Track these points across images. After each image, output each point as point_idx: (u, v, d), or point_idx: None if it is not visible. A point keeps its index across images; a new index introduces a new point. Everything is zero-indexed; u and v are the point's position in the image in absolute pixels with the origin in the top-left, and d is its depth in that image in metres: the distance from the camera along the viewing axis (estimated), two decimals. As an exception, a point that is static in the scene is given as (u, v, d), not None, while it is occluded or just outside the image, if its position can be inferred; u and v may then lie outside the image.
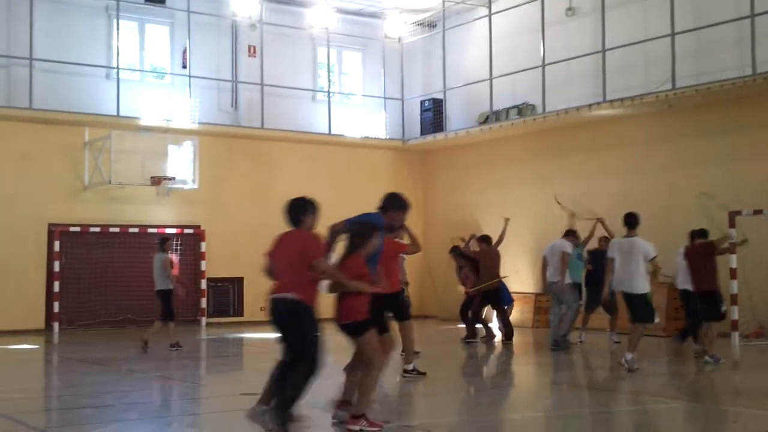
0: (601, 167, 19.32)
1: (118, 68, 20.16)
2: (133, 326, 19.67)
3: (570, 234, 15.68)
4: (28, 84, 18.97)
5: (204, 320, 20.32)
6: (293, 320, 7.74)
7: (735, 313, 15.08)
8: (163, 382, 12.16)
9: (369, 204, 24.28)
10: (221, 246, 20.77)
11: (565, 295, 15.05)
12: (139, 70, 21.36)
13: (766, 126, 16.47)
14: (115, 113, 19.79)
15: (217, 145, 21.04)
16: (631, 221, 12.25)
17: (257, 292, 21.09)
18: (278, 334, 7.91)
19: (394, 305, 10.89)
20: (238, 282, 21.30)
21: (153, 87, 21.38)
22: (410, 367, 11.70)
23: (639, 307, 11.99)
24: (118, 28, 20.28)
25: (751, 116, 16.72)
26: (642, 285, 11.94)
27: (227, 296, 21.13)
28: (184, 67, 21.16)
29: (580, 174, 19.73)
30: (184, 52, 21.21)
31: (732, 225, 14.86)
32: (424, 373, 11.66)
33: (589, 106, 18.67)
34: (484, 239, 16.96)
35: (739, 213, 15.14)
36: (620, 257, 12.10)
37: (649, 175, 18.31)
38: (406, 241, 11.44)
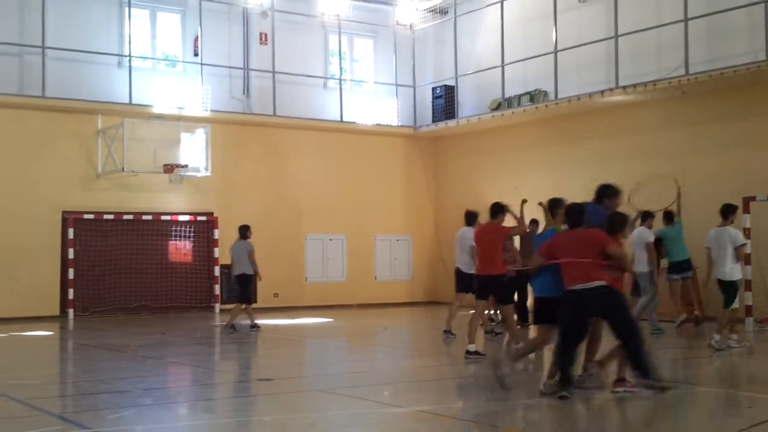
0: (614, 153, 19.26)
1: (130, 56, 20.20)
2: (147, 313, 19.80)
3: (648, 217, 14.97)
4: (41, 72, 19.05)
5: (218, 307, 20.41)
6: (612, 304, 8.71)
7: (749, 298, 15.06)
8: (178, 368, 12.23)
9: (381, 191, 24.66)
10: (234, 233, 20.73)
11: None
12: (151, 58, 21.40)
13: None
14: (128, 101, 19.86)
15: (229, 133, 21.09)
16: (725, 212, 12.71)
17: (270, 278, 21.22)
18: (578, 319, 8.82)
19: (497, 288, 11.77)
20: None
21: (165, 75, 21.43)
22: (472, 348, 12.00)
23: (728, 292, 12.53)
24: (129, 17, 20.32)
25: (765, 102, 16.64)
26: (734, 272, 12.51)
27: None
28: (196, 54, 21.19)
29: (592, 160, 19.67)
30: (196, 39, 21.23)
31: (747, 210, 14.79)
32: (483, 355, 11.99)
33: (602, 92, 18.63)
34: (532, 222, 16.71)
35: (753, 198, 15.09)
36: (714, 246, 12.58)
37: (662, 161, 18.23)
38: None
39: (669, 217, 15.22)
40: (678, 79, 17.06)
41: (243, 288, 16.43)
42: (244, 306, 16.33)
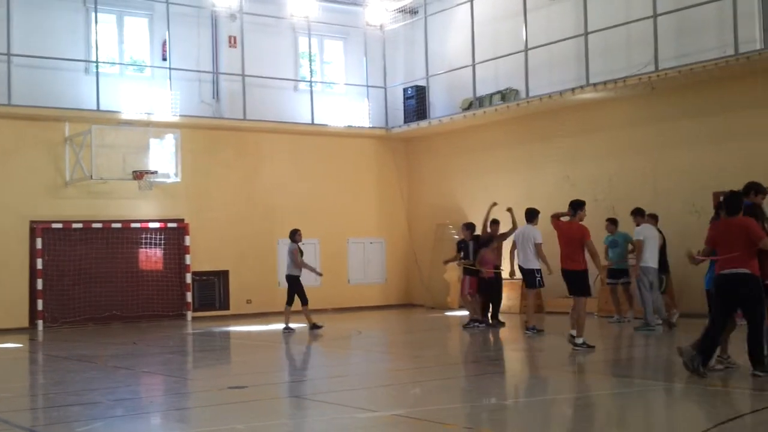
0: (586, 150, 19.28)
1: (97, 62, 19.94)
2: (118, 322, 19.53)
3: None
4: (7, 80, 18.74)
5: (190, 314, 20.19)
6: (752, 290, 9.48)
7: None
8: (149, 378, 12.03)
9: (353, 193, 24.54)
10: (205, 239, 20.64)
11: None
12: (119, 63, 21.14)
13: (748, 106, 16.44)
14: (96, 108, 19.60)
15: (199, 138, 20.88)
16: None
17: (242, 284, 21.08)
18: (726, 303, 9.68)
19: (579, 282, 12.74)
20: (223, 275, 21.18)
21: (133, 80, 21.18)
22: (580, 341, 12.63)
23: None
24: (96, 21, 20.05)
25: (734, 97, 16.69)
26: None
27: (212, 290, 21.00)
28: (164, 59, 20.95)
29: (564, 157, 19.70)
30: (164, 44, 21.00)
31: (717, 206, 14.73)
32: (592, 347, 12.62)
33: (572, 89, 18.62)
34: (495, 222, 17.03)
35: (722, 194, 15.06)
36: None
37: (634, 157, 18.30)
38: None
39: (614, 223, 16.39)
40: (648, 75, 17.08)
41: (291, 289, 16.92)
42: (298, 307, 16.82)
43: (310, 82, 22.84)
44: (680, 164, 17.37)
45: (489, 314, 16.53)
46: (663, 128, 17.82)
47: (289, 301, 16.99)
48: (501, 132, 21.21)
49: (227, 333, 17.96)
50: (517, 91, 20.50)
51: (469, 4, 21.19)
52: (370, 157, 23.51)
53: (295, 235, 17.10)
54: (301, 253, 17.12)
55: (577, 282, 12.85)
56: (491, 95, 21.07)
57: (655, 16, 17.05)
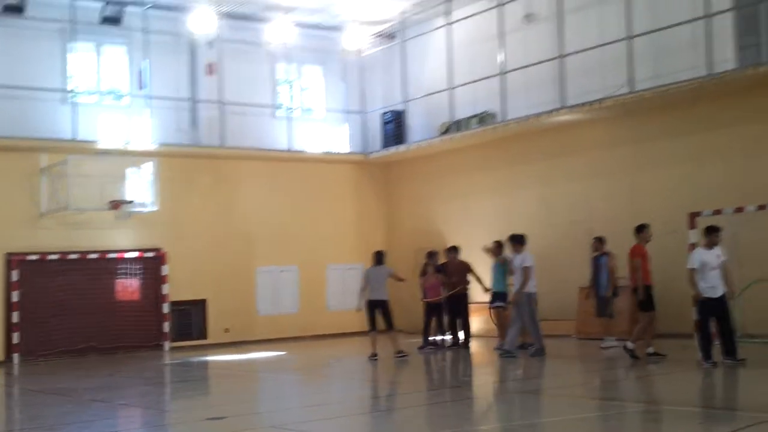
0: (564, 172, 19.30)
1: (74, 92, 19.82)
2: (95, 354, 19.27)
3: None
4: (-18, 110, 18.60)
5: (167, 345, 19.96)
6: None
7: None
8: (126, 411, 11.86)
9: (332, 219, 24.41)
10: (183, 268, 20.45)
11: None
12: (96, 93, 21.02)
13: (724, 126, 16.50)
14: (72, 137, 19.47)
15: (176, 166, 20.75)
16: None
17: (220, 313, 20.90)
18: None
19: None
20: (200, 304, 20.97)
21: (111, 109, 21.06)
22: (651, 350, 13.89)
23: None
24: (73, 51, 19.95)
25: (709, 117, 16.75)
26: None
27: (190, 319, 20.78)
28: (141, 87, 20.85)
29: (542, 180, 19.71)
30: (140, 72, 20.90)
31: (692, 226, 14.80)
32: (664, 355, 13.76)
33: (549, 112, 18.65)
34: (452, 249, 17.53)
35: (699, 214, 15.11)
36: None
37: (611, 178, 18.33)
38: None
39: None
40: (623, 96, 17.13)
41: (381, 313, 16.20)
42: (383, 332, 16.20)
43: (289, 108, 22.79)
44: (657, 185, 17.39)
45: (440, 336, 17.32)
46: (639, 149, 17.86)
47: (390, 325, 16.32)
48: (479, 155, 21.21)
49: (205, 363, 17.79)
50: (494, 114, 20.52)
51: (445, 28, 21.23)
52: (348, 183, 23.45)
53: (381, 257, 16.51)
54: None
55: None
56: (469, 119, 21.08)
57: (629, 37, 17.12)
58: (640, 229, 14.38)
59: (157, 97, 20.85)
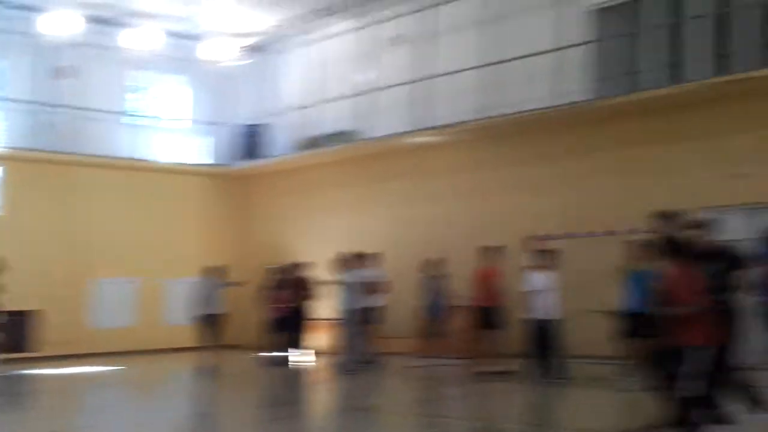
0: (420, 193, 19.44)
1: None
2: None
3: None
4: None
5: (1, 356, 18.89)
6: None
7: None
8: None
9: (185, 232, 23.70)
10: (21, 276, 19.37)
11: None
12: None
13: (566, 155, 16.93)
14: None
15: (25, 171, 19.92)
16: None
17: (57, 324, 19.97)
18: None
19: None
20: (36, 315, 19.94)
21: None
22: (499, 368, 13.93)
23: None
24: None
25: (555, 146, 17.17)
26: None
27: (23, 330, 19.74)
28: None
29: (398, 200, 19.81)
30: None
31: (527, 250, 14.98)
32: None
33: (405, 133, 18.77)
34: (297, 266, 17.85)
35: (539, 237, 15.43)
36: None
37: (457, 203, 18.57)
38: None
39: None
40: (475, 122, 17.41)
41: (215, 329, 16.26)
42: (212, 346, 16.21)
43: (143, 116, 22.14)
44: (503, 209, 17.68)
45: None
46: (488, 174, 18.13)
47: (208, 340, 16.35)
48: (337, 172, 21.15)
49: (34, 376, 16.95)
50: (354, 133, 20.51)
51: (310, 45, 21.11)
52: (202, 195, 22.93)
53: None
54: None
55: None
56: (329, 135, 21.01)
57: (485, 65, 17.41)
58: (491, 251, 14.51)
59: (3, 99, 19.86)
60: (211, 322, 16.27)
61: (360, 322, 15.33)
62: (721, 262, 8.45)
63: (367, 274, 15.34)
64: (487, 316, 14.25)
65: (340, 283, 15.45)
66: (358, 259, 15.69)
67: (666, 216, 9.09)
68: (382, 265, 16.63)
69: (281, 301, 17.23)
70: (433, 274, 16.20)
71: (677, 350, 7.82)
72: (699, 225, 8.70)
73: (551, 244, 14.87)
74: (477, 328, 14.56)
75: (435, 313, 15.87)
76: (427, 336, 16.09)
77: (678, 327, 7.82)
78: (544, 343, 13.22)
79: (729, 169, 14.63)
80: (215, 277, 16.60)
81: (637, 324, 10.96)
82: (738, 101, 14.56)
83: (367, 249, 17.55)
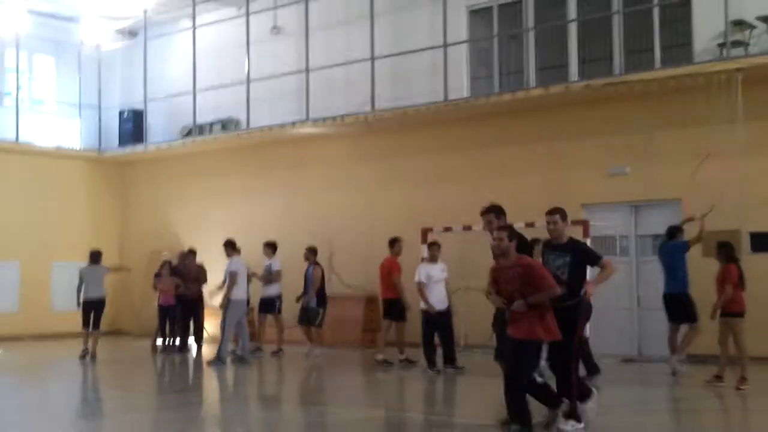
0: (305, 184, 19.63)
1: None
2: None
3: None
4: None
5: None
6: None
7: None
8: None
9: (61, 216, 23.15)
10: None
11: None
12: None
13: (456, 149, 17.53)
14: None
15: None
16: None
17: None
18: None
19: None
20: None
21: None
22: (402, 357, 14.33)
23: None
24: None
25: (443, 140, 17.74)
26: None
27: None
28: None
29: (283, 190, 19.94)
30: None
31: (424, 240, 15.56)
32: None
33: (293, 123, 18.91)
34: (190, 253, 17.70)
35: (430, 230, 15.98)
36: None
37: (352, 192, 18.85)
38: None
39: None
40: (365, 114, 17.73)
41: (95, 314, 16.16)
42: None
43: (17, 97, 21.37)
44: (394, 202, 18.11)
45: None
46: (379, 166, 18.54)
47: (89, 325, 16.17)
48: (221, 161, 21.06)
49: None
50: (238, 121, 20.47)
51: (190, 31, 20.89)
52: (81, 180, 22.37)
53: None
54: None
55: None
56: (212, 124, 20.89)
57: (372, 59, 17.75)
58: (393, 243, 14.71)
59: None
60: (94, 308, 16.16)
61: (243, 312, 15.31)
62: (568, 256, 8.47)
63: (236, 263, 15.33)
64: (389, 306, 14.53)
65: (229, 272, 15.38)
66: (230, 248, 15.65)
67: (494, 209, 9.11)
68: (276, 255, 16.67)
69: (172, 288, 17.08)
70: (310, 262, 16.28)
71: (520, 343, 7.98)
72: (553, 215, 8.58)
73: (439, 237, 15.41)
74: (383, 318, 14.82)
75: (308, 302, 15.98)
76: (299, 323, 16.26)
77: (523, 320, 8.00)
78: (440, 333, 13.66)
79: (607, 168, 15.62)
80: (97, 262, 16.42)
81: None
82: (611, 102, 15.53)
83: (254, 238, 17.69)
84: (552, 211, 8.72)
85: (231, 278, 15.05)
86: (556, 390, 8.43)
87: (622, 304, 15.42)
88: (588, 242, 14.32)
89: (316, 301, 15.92)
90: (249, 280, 15.72)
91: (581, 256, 8.61)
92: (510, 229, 8.36)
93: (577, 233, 14.52)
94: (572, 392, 8.31)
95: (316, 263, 16.18)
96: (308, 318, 16.02)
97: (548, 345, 8.34)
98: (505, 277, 8.15)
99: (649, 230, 15.55)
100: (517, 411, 8.04)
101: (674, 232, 13.20)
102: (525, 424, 7.97)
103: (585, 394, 8.48)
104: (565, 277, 8.37)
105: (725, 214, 13.62)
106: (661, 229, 13.80)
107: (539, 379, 8.44)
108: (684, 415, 10.52)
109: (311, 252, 16.34)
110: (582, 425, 8.27)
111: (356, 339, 17.58)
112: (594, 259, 8.72)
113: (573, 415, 8.27)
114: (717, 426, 9.82)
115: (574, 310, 8.32)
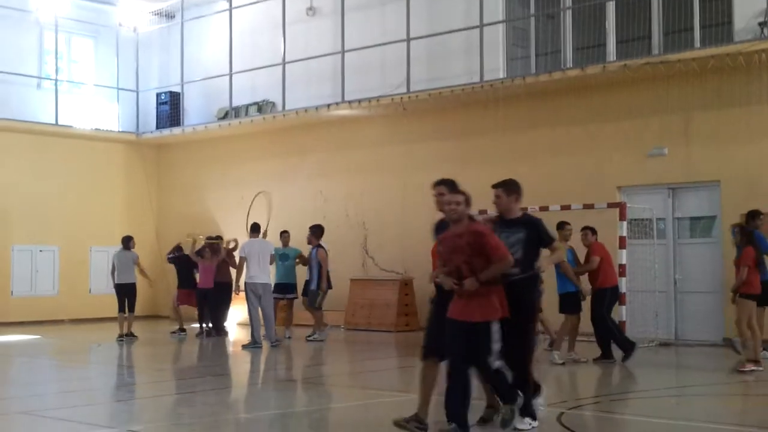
0: (340, 166, 19.55)
1: None
2: None
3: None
4: None
5: None
6: None
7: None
8: None
9: (99, 199, 23.32)
10: None
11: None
12: None
13: (491, 131, 17.31)
14: None
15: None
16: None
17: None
18: None
19: None
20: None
21: None
22: None
23: None
24: None
25: (478, 122, 17.53)
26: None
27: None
28: None
29: (319, 172, 19.88)
30: None
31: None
32: None
33: (328, 105, 18.84)
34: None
35: (467, 213, 15.81)
36: None
37: (384, 174, 18.76)
38: None
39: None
40: (400, 96, 17.61)
41: (128, 298, 16.50)
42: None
43: (56, 80, 21.57)
44: (427, 182, 17.91)
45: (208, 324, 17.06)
46: (413, 148, 18.40)
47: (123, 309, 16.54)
48: (256, 143, 21.08)
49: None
50: (273, 104, 20.48)
51: (227, 12, 20.91)
52: (119, 163, 22.55)
53: (129, 243, 16.83)
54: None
55: None
56: (248, 106, 20.91)
57: (408, 39, 17.62)
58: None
59: None
60: (124, 292, 16.43)
61: (261, 296, 15.04)
62: (522, 232, 7.84)
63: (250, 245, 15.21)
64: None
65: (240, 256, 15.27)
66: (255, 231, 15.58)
67: (447, 182, 8.39)
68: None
69: (209, 272, 16.91)
70: (314, 245, 16.06)
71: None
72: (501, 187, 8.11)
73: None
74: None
75: (312, 284, 15.88)
76: (307, 306, 16.19)
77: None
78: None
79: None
80: (128, 247, 16.71)
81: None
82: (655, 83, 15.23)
83: (290, 221, 17.70)
84: (496, 185, 8.26)
85: (239, 263, 15.14)
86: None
87: (658, 287, 15.16)
88: (624, 225, 14.13)
89: (316, 284, 15.80)
90: (271, 262, 15.49)
91: (536, 233, 7.90)
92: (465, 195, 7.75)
93: (613, 216, 14.43)
94: (529, 386, 7.65)
95: (320, 245, 15.99)
96: (312, 300, 15.93)
97: (502, 335, 7.21)
98: (452, 246, 7.37)
99: (686, 213, 15.28)
100: (505, 395, 7.25)
101: (756, 215, 12.21)
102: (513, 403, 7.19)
103: (536, 390, 7.88)
104: (518, 255, 7.62)
105: (764, 196, 13.33)
106: (699, 212, 13.53)
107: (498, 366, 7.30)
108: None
109: (313, 234, 16.10)
110: (536, 423, 7.64)
111: (391, 323, 17.54)
112: (548, 239, 8.01)
113: (528, 411, 7.59)
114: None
115: (527, 286, 7.67)
